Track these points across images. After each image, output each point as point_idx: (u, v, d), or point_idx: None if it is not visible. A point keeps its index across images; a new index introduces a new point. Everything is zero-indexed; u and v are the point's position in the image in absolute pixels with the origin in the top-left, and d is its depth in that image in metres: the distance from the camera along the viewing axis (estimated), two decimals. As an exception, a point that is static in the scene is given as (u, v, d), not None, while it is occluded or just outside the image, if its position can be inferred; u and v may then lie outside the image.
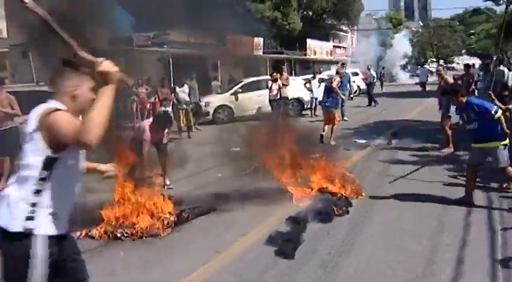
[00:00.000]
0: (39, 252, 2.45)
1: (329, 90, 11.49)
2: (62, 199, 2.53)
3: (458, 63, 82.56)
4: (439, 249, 4.71)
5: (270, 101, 15.68)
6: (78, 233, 5.42)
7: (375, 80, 23.45)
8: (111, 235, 5.33)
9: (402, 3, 74.05)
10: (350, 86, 20.87)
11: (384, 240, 5.05)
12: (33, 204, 2.43)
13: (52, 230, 2.49)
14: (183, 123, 13.95)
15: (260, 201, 6.68)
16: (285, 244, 4.90)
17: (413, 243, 4.92)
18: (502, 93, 9.03)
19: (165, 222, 5.53)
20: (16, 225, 2.42)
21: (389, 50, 46.60)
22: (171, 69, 18.06)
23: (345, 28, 49.82)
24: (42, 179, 2.44)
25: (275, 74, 16.15)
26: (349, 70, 24.14)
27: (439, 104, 10.29)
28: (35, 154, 2.43)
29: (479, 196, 6.33)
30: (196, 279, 4.31)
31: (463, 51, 79.76)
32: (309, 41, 33.75)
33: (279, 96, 15.67)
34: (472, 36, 79.31)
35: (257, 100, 17.19)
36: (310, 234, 5.30)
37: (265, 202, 6.63)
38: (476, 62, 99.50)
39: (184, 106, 13.86)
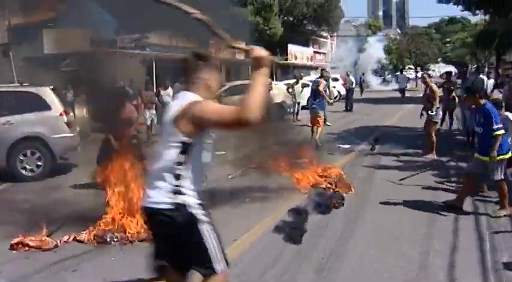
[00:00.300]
0: (200, 215, 2.73)
1: (315, 93, 11.66)
2: (197, 180, 2.77)
3: (434, 71, 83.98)
4: (430, 254, 4.76)
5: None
6: (66, 237, 5.33)
7: (354, 86, 23.70)
8: (100, 240, 5.24)
9: (381, 13, 75.07)
10: (329, 91, 21.11)
11: (376, 240, 5.09)
12: (176, 186, 2.69)
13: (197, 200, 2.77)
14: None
15: (252, 201, 6.77)
16: (292, 231, 5.36)
17: (404, 246, 4.97)
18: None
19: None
20: (167, 203, 2.69)
21: (362, 55, 47.05)
22: (154, 72, 17.93)
23: (324, 34, 50.21)
24: (181, 164, 2.69)
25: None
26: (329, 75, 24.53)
27: (424, 111, 10.35)
28: (174, 141, 2.67)
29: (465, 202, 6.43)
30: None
31: (439, 59, 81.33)
32: (290, 46, 33.91)
33: None
34: (448, 45, 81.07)
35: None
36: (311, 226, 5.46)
37: (257, 202, 6.72)
38: (452, 69, 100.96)
39: (168, 109, 13.72)
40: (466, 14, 41.27)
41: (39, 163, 8.63)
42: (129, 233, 5.28)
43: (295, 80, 18.93)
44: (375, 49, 48.73)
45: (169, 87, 14.16)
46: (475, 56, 56.21)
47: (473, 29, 51.43)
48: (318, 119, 11.46)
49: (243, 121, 2.43)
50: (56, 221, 5.97)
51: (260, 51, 2.56)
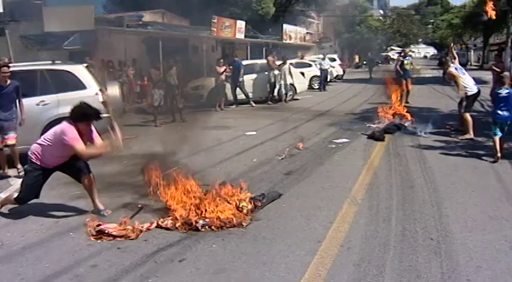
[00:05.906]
0: None
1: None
2: None
3: (413, 52, 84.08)
4: None
5: (216, 85, 16.06)
6: (148, 224, 4.92)
7: (327, 68, 24.25)
8: (190, 227, 4.84)
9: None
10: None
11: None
12: None
13: None
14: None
15: (320, 177, 6.71)
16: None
17: None
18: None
19: (244, 210, 5.09)
20: None
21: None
22: (161, 51, 17.29)
23: (312, 14, 49.62)
24: None
25: (221, 60, 16.65)
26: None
27: None
28: None
29: None
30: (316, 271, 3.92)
31: (420, 40, 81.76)
32: (285, 26, 33.29)
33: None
34: (429, 26, 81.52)
35: (251, 83, 17.05)
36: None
37: (326, 178, 6.62)
38: (432, 50, 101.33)
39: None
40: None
41: (74, 146, 8.06)
42: (223, 219, 4.88)
43: (282, 62, 18.30)
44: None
45: (174, 68, 13.52)
46: (460, 38, 56.74)
47: (458, 10, 51.53)
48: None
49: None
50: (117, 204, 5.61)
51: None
